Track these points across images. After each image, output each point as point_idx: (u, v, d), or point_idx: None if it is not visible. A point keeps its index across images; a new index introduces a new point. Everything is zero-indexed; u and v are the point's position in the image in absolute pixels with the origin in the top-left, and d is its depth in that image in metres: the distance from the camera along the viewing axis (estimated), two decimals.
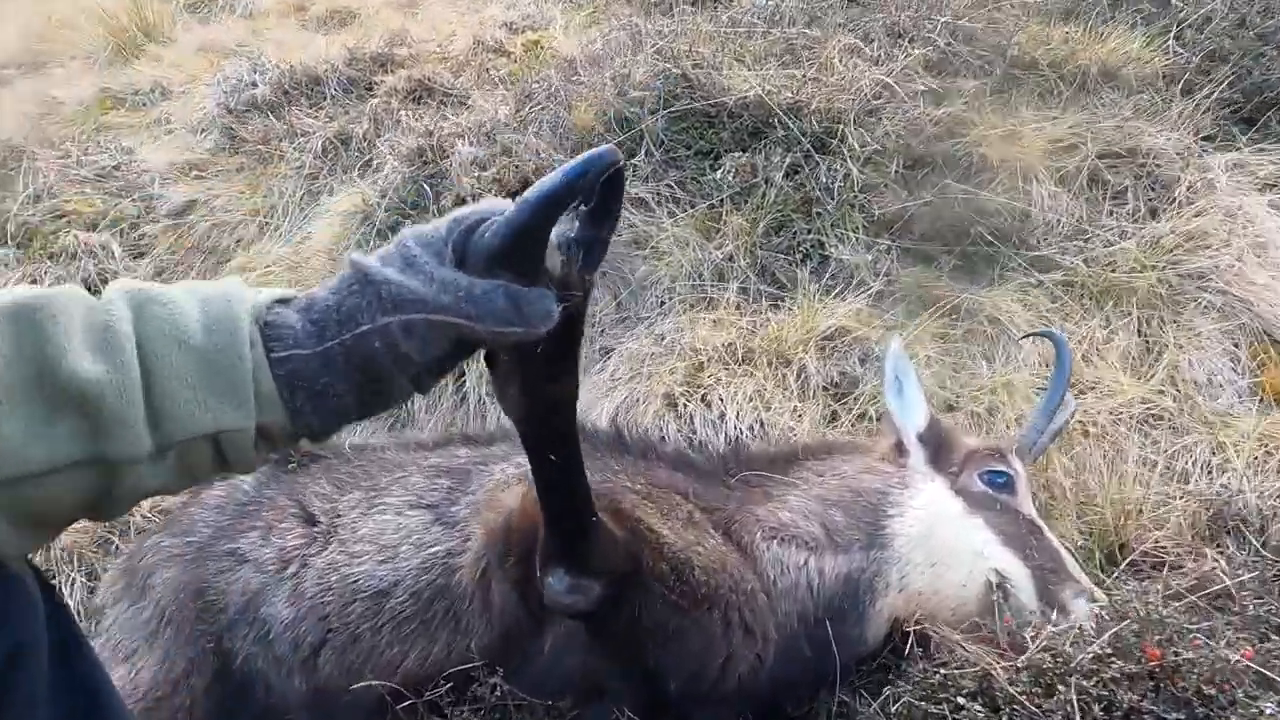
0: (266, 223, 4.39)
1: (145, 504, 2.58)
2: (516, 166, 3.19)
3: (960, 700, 1.37)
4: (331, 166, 4.43)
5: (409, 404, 2.69)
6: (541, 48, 5.33)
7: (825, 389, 2.30)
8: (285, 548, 1.88)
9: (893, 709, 1.45)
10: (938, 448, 1.79)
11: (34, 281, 3.92)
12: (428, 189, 3.32)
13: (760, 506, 1.80)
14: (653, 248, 2.88)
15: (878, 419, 2.19)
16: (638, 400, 2.42)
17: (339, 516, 1.91)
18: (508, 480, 1.91)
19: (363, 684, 1.65)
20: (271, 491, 2.03)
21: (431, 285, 0.81)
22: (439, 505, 1.94)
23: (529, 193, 0.83)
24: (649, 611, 1.46)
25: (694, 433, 2.23)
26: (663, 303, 2.84)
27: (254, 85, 5.19)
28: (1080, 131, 2.60)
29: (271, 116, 4.76)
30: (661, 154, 3.03)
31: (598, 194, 0.91)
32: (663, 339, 2.62)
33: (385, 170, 3.70)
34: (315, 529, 1.91)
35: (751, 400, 2.23)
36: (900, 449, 1.84)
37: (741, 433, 2.18)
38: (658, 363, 2.46)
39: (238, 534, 1.94)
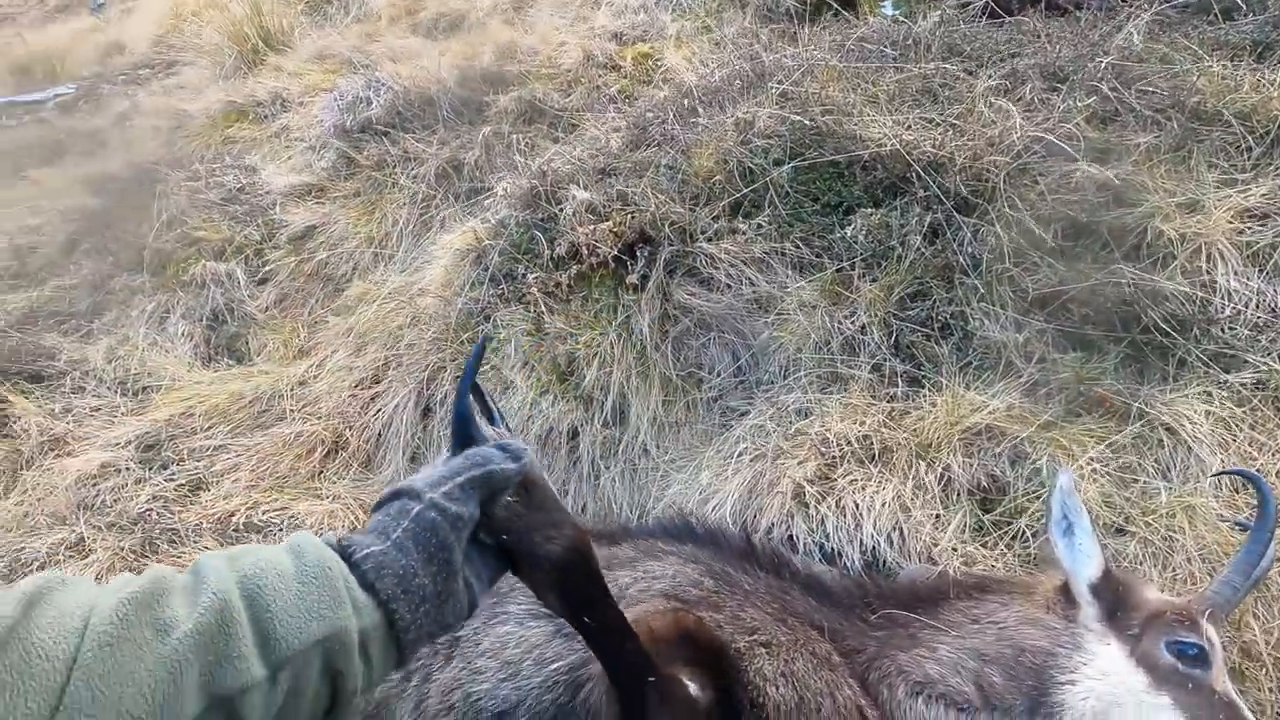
0: (380, 251, 4.45)
1: None
2: (633, 215, 3.08)
3: None
4: (444, 194, 4.45)
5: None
6: (652, 61, 5.20)
7: (970, 493, 2.11)
8: None
9: None
10: (1114, 603, 1.60)
11: (166, 314, 4.08)
12: (540, 235, 3.25)
13: (904, 652, 1.66)
14: (777, 312, 2.73)
15: (1032, 536, 1.99)
16: (763, 489, 2.30)
17: (463, 627, 1.87)
18: (629, 593, 1.83)
19: None
20: None
21: (447, 467, 1.03)
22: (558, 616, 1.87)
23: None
24: None
25: (826, 538, 2.09)
26: (786, 372, 2.70)
27: (369, 104, 5.26)
28: (1274, 199, 2.30)
29: (386, 141, 4.80)
30: (787, 208, 2.87)
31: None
32: (789, 418, 2.48)
33: (500, 211, 3.66)
34: (438, 640, 1.87)
35: (889, 505, 2.08)
36: (1067, 596, 1.65)
37: (878, 544, 2.03)
38: (785, 451, 2.32)
39: None
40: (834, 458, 2.22)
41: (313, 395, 3.68)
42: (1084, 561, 1.63)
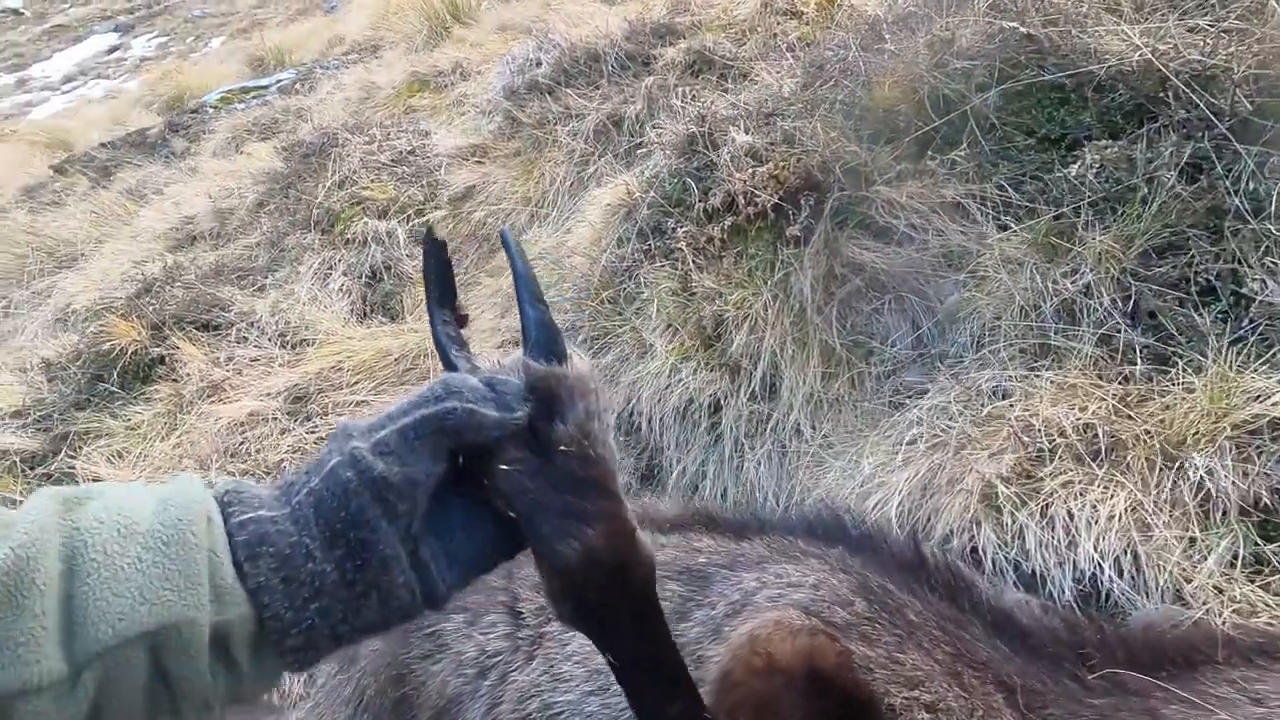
0: (537, 211, 4.27)
1: None
2: (798, 159, 2.64)
3: None
4: (602, 151, 4.20)
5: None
6: (838, 5, 4.66)
7: (1243, 512, 1.52)
8: (486, 648, 1.57)
9: None
10: None
11: (330, 270, 4.13)
12: (693, 184, 2.88)
13: None
14: (971, 270, 2.20)
15: None
16: (941, 486, 1.81)
17: (549, 622, 1.57)
18: (755, 600, 1.44)
19: None
20: None
21: (398, 403, 0.71)
22: (668, 619, 1.51)
23: None
24: None
25: (1024, 556, 1.59)
26: (980, 343, 2.16)
27: (537, 65, 5.12)
28: None
29: (549, 99, 4.62)
30: (991, 144, 2.31)
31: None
32: (980, 400, 1.97)
33: (654, 161, 3.34)
34: (521, 632, 1.58)
35: (1119, 520, 1.53)
36: None
37: (1101, 570, 1.50)
38: (973, 436, 1.82)
39: (445, 611, 1.68)
40: (1040, 451, 1.70)
41: None
42: None
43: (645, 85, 4.19)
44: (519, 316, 0.75)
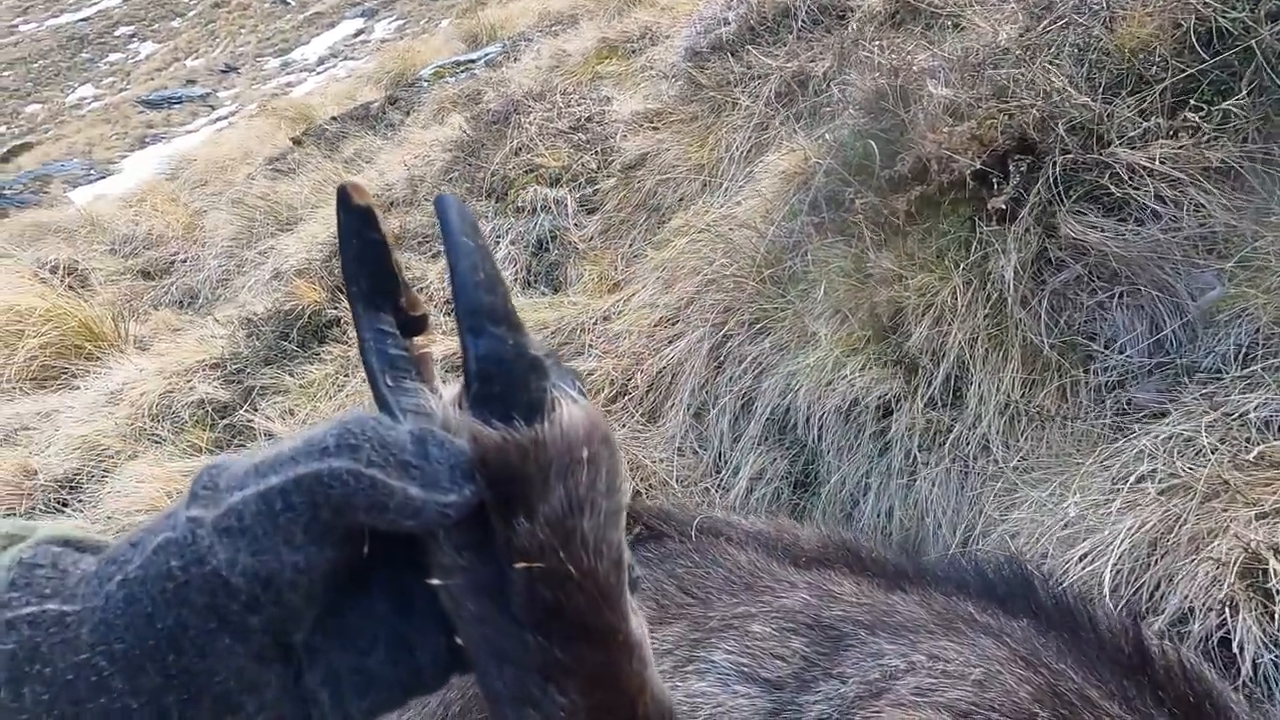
0: (710, 179, 3.99)
1: None
2: (1010, 116, 2.16)
3: None
4: (784, 114, 3.82)
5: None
6: None
7: None
8: None
9: None
10: None
11: (500, 237, 4.09)
12: (878, 148, 2.47)
13: None
14: (1241, 259, 1.67)
15: None
16: (1179, 546, 1.36)
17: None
18: (894, 692, 1.10)
19: None
20: None
21: (285, 444, 0.46)
22: (784, 686, 1.21)
23: None
24: None
25: None
26: (1248, 356, 1.64)
27: (724, 24, 4.80)
28: None
29: (731, 59, 4.29)
30: None
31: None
32: (1243, 431, 1.47)
33: (836, 121, 2.94)
34: None
35: None
36: None
37: None
38: (1232, 484, 1.35)
39: None
40: None
41: (614, 331, 3.38)
42: None
43: (837, 40, 3.75)
44: (458, 339, 0.47)
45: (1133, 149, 1.91)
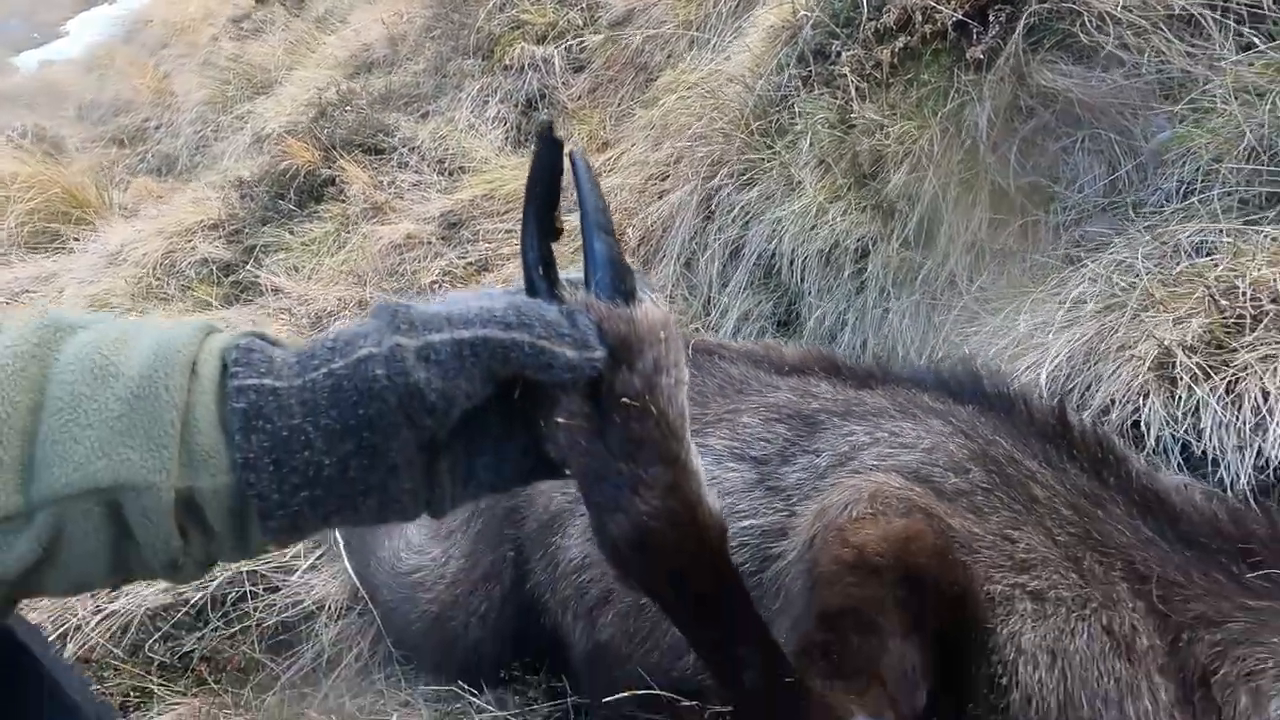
0: (698, 35, 3.99)
1: None
2: None
3: None
4: None
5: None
6: None
7: None
8: None
9: None
10: None
11: (488, 97, 4.10)
12: (866, 1, 2.54)
13: None
14: (1190, 102, 1.82)
15: None
16: (1109, 351, 1.59)
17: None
18: (860, 458, 1.34)
19: (626, 694, 1.32)
20: None
21: (469, 306, 0.65)
22: (768, 461, 1.45)
23: None
24: None
25: (1196, 436, 1.37)
26: (1189, 190, 1.82)
27: None
28: None
29: None
30: None
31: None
32: (1176, 256, 1.67)
33: None
34: None
35: None
36: None
37: None
38: (1159, 298, 1.56)
39: None
40: (1240, 318, 1.42)
41: (606, 188, 3.50)
42: None
43: None
44: (583, 249, 0.68)
45: None
